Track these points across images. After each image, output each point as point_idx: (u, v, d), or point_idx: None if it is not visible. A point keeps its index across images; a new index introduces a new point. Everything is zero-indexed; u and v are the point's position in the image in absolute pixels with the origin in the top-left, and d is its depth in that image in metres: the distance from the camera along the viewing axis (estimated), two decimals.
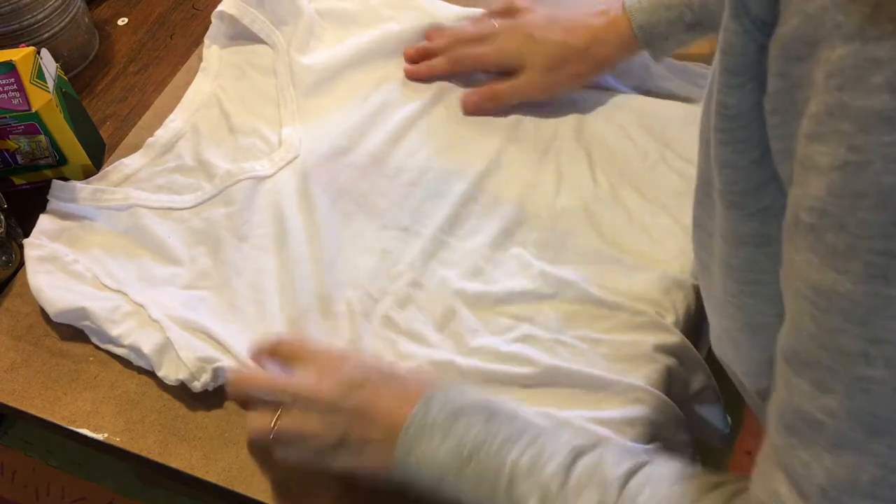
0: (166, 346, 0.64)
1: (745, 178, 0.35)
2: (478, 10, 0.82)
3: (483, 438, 0.48)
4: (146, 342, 0.64)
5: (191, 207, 0.73)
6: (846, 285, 0.27)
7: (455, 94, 0.80)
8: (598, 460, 0.46)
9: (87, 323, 0.67)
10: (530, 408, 0.53)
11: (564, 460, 0.46)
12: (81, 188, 0.74)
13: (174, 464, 0.62)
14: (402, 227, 0.71)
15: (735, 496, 0.41)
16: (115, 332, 0.66)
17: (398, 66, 0.81)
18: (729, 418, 0.64)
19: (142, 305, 0.66)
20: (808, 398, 0.30)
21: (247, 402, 0.57)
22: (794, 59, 0.28)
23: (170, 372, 0.63)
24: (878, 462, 0.29)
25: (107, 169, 0.77)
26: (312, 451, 0.54)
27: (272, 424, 0.54)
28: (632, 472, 0.45)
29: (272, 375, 0.57)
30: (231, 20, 0.85)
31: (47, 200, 0.74)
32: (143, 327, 0.65)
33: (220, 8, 0.85)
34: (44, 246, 0.70)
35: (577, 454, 0.46)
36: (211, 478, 0.61)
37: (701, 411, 0.64)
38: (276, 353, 0.58)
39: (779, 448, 0.33)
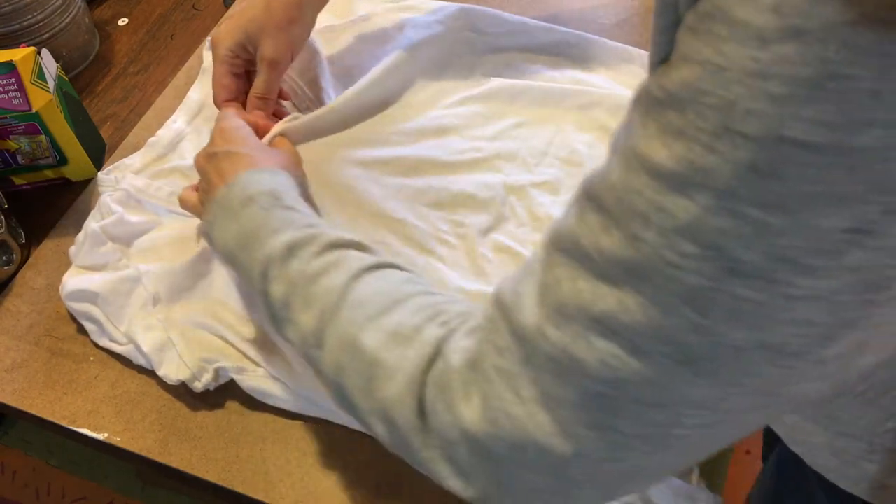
0: (167, 346, 0.64)
1: None
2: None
3: (257, 229, 0.53)
4: (146, 341, 0.64)
5: None
6: (663, 159, 0.30)
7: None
8: (344, 255, 0.50)
9: (92, 309, 0.67)
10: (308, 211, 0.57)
11: (315, 251, 0.50)
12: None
13: (174, 463, 0.62)
14: (399, 222, 0.70)
15: (450, 305, 0.45)
16: (120, 328, 0.66)
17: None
18: None
19: (155, 295, 0.66)
20: (589, 232, 0.34)
21: None
22: None
23: (170, 371, 0.63)
24: (617, 300, 0.32)
25: (108, 168, 0.77)
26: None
27: None
28: (373, 268, 0.49)
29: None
30: None
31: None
32: (145, 325, 0.65)
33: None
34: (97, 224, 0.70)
35: (328, 249, 0.50)
36: (211, 477, 0.61)
37: None
38: None
39: (541, 260, 0.37)
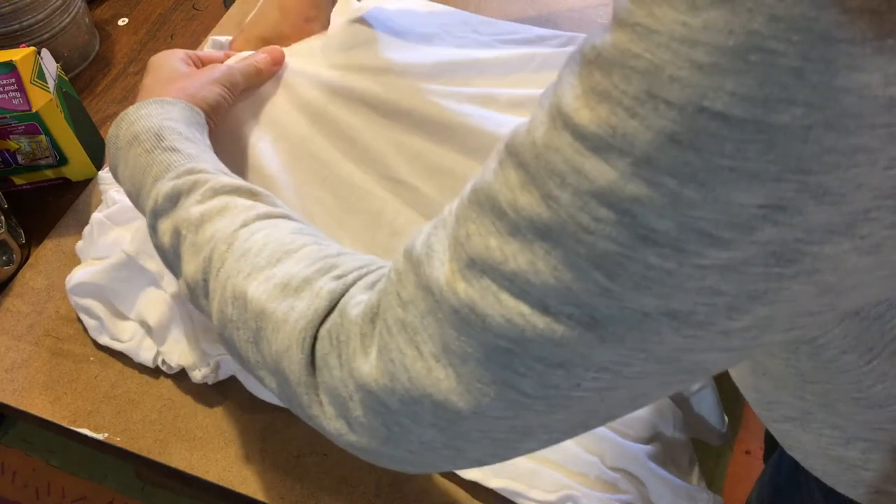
0: (173, 323, 0.64)
1: None
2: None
3: (142, 175, 0.53)
4: (153, 316, 0.64)
5: None
6: (586, 120, 0.29)
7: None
8: (231, 201, 0.49)
9: (93, 304, 0.67)
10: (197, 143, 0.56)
11: (197, 198, 0.49)
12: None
13: (174, 463, 0.62)
14: (395, 180, 0.69)
15: (345, 258, 0.44)
16: (130, 315, 0.66)
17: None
18: (726, 418, 0.65)
19: (157, 272, 0.66)
20: (507, 189, 0.33)
21: None
22: None
23: (171, 350, 0.63)
24: (528, 260, 0.32)
25: (108, 167, 0.77)
26: None
27: None
28: (262, 217, 0.48)
29: None
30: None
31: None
32: (154, 299, 0.66)
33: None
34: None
35: (211, 195, 0.49)
36: (211, 477, 0.61)
37: (699, 410, 0.64)
38: None
39: (455, 214, 0.36)
